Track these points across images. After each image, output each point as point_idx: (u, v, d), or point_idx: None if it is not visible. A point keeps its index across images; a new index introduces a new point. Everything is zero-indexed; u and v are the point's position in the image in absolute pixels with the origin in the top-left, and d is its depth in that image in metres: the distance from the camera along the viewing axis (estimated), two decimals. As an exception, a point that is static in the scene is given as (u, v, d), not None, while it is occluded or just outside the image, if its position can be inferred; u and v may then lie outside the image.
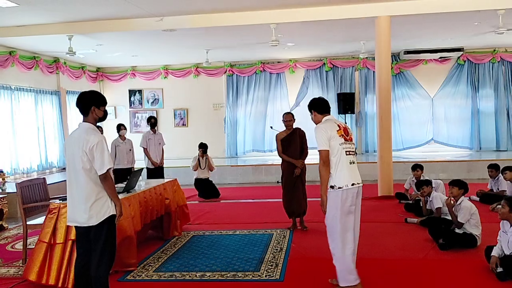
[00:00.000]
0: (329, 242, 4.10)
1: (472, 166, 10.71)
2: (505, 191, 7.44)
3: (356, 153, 4.27)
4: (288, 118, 6.33)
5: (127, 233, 4.78)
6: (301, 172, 6.32)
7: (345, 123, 12.84)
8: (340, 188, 3.96)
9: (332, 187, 4.00)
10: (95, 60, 12.89)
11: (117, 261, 4.11)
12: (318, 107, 4.34)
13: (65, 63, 12.12)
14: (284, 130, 6.40)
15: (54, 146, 11.75)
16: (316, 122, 4.34)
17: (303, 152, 6.38)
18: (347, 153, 4.07)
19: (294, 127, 6.36)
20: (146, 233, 6.01)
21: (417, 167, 7.74)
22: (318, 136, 4.09)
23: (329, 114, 4.31)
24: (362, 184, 4.13)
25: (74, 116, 12.48)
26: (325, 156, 4.01)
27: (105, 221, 3.62)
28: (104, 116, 3.76)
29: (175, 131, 13.84)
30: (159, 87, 14.17)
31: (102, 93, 3.83)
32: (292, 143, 6.31)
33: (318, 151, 4.08)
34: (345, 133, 4.14)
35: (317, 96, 4.61)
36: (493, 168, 7.81)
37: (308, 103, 4.47)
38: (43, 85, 11.46)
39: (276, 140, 6.42)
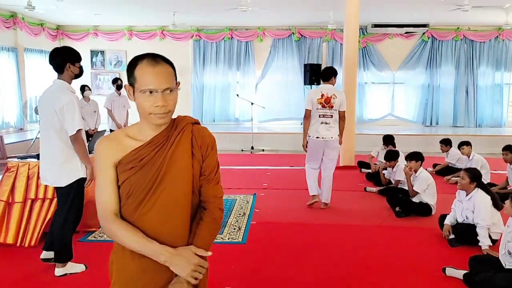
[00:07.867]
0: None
1: (429, 140, 11.08)
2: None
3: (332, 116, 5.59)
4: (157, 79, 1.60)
5: (89, 193, 4.69)
6: None
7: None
8: (309, 137, 5.65)
9: (308, 136, 5.66)
10: (55, 17, 12.30)
11: (79, 221, 4.05)
12: (319, 76, 5.85)
13: (23, 18, 11.51)
14: (132, 126, 1.74)
15: (12, 106, 11.27)
16: None
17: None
18: (320, 116, 5.56)
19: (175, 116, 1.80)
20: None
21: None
22: (306, 98, 5.69)
23: (328, 82, 5.62)
24: (330, 139, 5.58)
25: (33, 74, 11.99)
26: (307, 114, 5.65)
27: (73, 183, 3.56)
28: (80, 73, 3.66)
29: (138, 95, 13.49)
30: (122, 49, 13.72)
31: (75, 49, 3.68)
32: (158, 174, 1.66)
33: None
34: (325, 102, 5.52)
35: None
36: (443, 143, 8.07)
37: None
38: (-1, 41, 10.91)
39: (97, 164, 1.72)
